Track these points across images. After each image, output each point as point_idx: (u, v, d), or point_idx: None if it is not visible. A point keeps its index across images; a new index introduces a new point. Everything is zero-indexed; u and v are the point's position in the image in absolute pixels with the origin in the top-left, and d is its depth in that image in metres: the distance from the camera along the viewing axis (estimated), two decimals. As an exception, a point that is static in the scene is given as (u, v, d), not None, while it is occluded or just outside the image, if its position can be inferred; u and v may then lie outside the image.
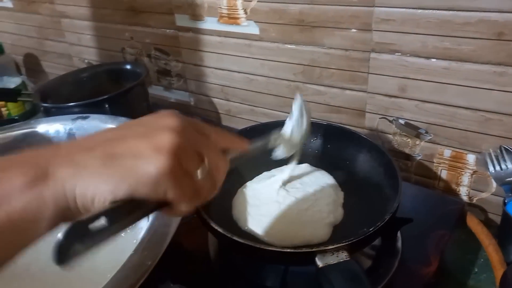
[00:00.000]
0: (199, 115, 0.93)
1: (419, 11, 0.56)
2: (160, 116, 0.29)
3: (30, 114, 1.12)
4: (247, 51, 0.77)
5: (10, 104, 1.08)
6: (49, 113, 0.70)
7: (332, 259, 0.38)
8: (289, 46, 0.71)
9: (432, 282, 0.53)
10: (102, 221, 0.24)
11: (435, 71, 0.58)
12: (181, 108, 0.96)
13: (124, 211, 0.26)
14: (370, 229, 0.40)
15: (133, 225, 0.27)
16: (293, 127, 0.48)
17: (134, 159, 0.26)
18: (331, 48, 0.67)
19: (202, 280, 0.49)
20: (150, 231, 0.37)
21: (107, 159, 0.26)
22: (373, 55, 0.63)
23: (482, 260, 0.57)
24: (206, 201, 0.30)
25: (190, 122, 0.30)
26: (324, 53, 0.68)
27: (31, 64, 1.30)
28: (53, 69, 1.23)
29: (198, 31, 0.82)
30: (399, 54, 0.60)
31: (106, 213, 0.25)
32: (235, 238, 0.41)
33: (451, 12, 0.53)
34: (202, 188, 0.29)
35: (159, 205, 0.27)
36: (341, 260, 0.38)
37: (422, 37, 0.57)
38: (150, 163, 0.25)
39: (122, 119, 0.54)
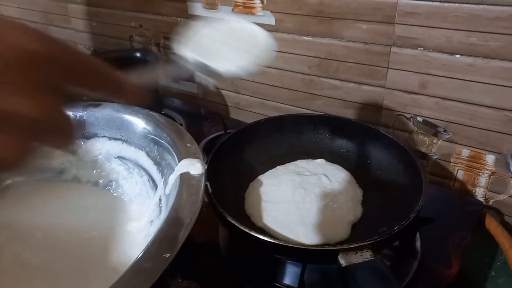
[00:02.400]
0: (207, 107, 0.91)
1: (446, 4, 0.54)
2: None
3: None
4: (260, 42, 0.75)
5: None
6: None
7: (356, 258, 0.36)
8: (305, 38, 0.69)
9: (453, 284, 0.51)
10: None
11: (459, 68, 0.56)
12: (189, 100, 0.93)
13: None
14: (395, 228, 0.39)
15: None
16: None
17: None
18: (350, 41, 0.65)
19: (212, 275, 0.47)
20: (168, 221, 0.35)
21: None
22: (394, 49, 0.61)
23: (499, 263, 0.55)
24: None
25: None
26: (342, 46, 0.66)
27: (35, 50, 1.27)
28: (57, 55, 1.21)
29: (210, 20, 0.79)
30: (422, 49, 0.58)
31: None
32: (253, 233, 0.39)
33: (481, 6, 0.51)
34: None
35: None
36: (366, 259, 0.36)
37: (447, 32, 0.55)
38: None
39: (136, 108, 0.52)
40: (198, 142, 0.74)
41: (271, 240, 0.38)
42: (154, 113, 0.52)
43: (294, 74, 0.74)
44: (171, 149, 0.45)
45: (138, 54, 0.79)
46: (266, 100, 0.81)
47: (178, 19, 0.85)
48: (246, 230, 0.40)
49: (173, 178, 0.40)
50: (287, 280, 0.45)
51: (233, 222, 0.41)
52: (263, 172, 0.57)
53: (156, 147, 0.49)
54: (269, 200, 0.50)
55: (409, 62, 0.60)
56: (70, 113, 0.21)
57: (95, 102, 0.53)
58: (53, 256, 0.45)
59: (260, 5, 0.71)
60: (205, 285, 0.45)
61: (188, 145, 0.44)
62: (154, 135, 0.49)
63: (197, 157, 0.41)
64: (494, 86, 0.55)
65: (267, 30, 0.74)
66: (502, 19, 0.50)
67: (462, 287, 0.52)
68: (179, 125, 0.49)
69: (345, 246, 0.37)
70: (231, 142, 0.57)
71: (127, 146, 0.52)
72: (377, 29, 0.61)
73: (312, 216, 0.47)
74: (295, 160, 0.58)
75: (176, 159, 0.42)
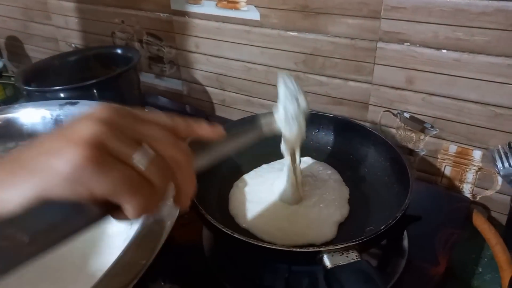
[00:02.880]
0: (191, 104, 0.89)
1: (433, -1, 0.53)
2: (86, 113, 0.24)
3: (11, 100, 1.07)
4: (246, 38, 0.73)
5: (-10, 89, 1.02)
6: (32, 98, 0.66)
7: (342, 260, 0.35)
8: (291, 33, 0.68)
9: (440, 282, 0.51)
10: (20, 237, 0.20)
11: (445, 63, 0.56)
12: (173, 97, 0.91)
13: (44, 221, 0.21)
14: (382, 228, 0.38)
15: (71, 239, 0.22)
16: (286, 105, 0.40)
17: (47, 157, 0.21)
18: (336, 36, 0.63)
19: (196, 278, 0.46)
20: (145, 227, 0.34)
21: (16, 164, 0.22)
22: (380, 44, 0.60)
23: (486, 260, 0.55)
24: (164, 199, 0.25)
25: (124, 110, 0.25)
26: (328, 41, 0.65)
27: (14, 48, 1.24)
28: (38, 53, 1.17)
29: (194, 15, 0.78)
30: (408, 44, 0.57)
31: (18, 221, 0.20)
32: (236, 235, 0.38)
33: (466, 0, 0.50)
34: (151, 179, 0.23)
35: (103, 210, 0.23)
36: (352, 261, 0.35)
37: (434, 27, 0.55)
38: (62, 157, 0.21)
39: (114, 105, 0.50)
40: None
41: (254, 242, 0.37)
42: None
43: (280, 70, 0.73)
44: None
45: (119, 51, 0.77)
46: (252, 97, 0.80)
47: (161, 14, 0.82)
48: (229, 232, 0.38)
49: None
50: (273, 283, 0.44)
51: (215, 223, 0.39)
52: (248, 171, 0.55)
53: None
54: (253, 200, 0.48)
55: (396, 58, 0.59)
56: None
57: (72, 100, 0.51)
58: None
59: (245, 0, 0.69)
60: (188, 289, 0.44)
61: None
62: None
63: None
64: (480, 81, 0.54)
65: (252, 26, 0.72)
66: (487, 13, 0.50)
67: (449, 284, 0.51)
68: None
69: (330, 247, 0.36)
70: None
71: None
72: (363, 24, 0.60)
73: (298, 216, 0.46)
74: (281, 158, 0.57)
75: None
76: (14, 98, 1.08)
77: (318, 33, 0.65)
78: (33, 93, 0.64)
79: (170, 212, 0.35)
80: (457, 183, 0.63)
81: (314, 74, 0.69)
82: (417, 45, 0.57)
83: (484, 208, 0.62)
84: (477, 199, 0.62)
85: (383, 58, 0.60)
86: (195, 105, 0.89)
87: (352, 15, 0.60)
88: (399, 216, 0.39)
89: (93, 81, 0.64)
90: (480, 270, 0.54)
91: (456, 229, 0.50)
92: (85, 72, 0.78)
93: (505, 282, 0.47)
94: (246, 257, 0.46)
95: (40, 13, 1.08)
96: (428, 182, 0.65)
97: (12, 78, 0.71)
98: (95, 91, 0.64)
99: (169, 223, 0.33)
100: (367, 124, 0.67)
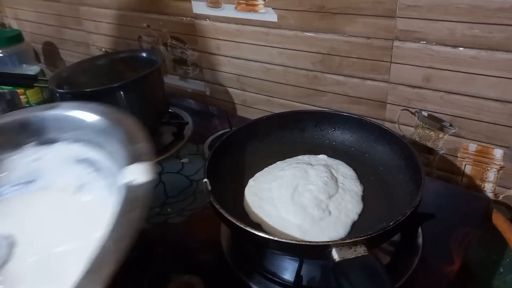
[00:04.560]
0: (214, 105, 0.92)
1: (448, -4, 0.53)
2: None
3: (48, 102, 1.14)
4: (264, 39, 0.75)
5: (28, 92, 1.09)
6: (64, 100, 0.70)
7: (350, 254, 0.36)
8: (308, 34, 0.69)
9: (455, 282, 0.50)
10: None
11: (463, 61, 0.55)
12: (196, 98, 0.94)
13: None
14: (391, 224, 0.38)
15: None
16: None
17: None
18: (352, 36, 0.64)
19: (214, 271, 0.48)
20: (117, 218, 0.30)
21: None
22: (396, 43, 0.60)
23: (508, 260, 0.54)
24: None
25: None
26: (344, 41, 0.65)
27: (50, 53, 1.31)
28: (71, 57, 1.24)
29: (215, 18, 0.80)
30: (424, 42, 0.57)
31: None
32: (248, 229, 0.40)
33: (483, -3, 0.50)
34: None
35: None
36: (359, 255, 0.36)
37: (450, 24, 0.54)
38: None
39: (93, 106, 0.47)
40: (204, 140, 0.75)
41: (264, 235, 0.39)
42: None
43: (298, 70, 0.74)
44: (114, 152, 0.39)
45: (144, 54, 0.81)
46: (271, 97, 0.82)
47: (184, 18, 0.86)
48: (242, 225, 0.40)
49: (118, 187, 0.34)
50: (286, 275, 0.45)
51: (229, 217, 0.41)
52: (263, 169, 0.57)
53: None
54: (267, 196, 0.50)
55: (412, 56, 0.59)
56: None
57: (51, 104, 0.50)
58: (17, 276, 0.39)
59: (262, 2, 0.71)
60: (206, 280, 0.46)
61: (137, 145, 0.38)
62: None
63: (145, 160, 0.35)
64: (499, 78, 0.54)
65: (270, 27, 0.74)
66: (505, 9, 0.49)
67: (468, 284, 0.51)
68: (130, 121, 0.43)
69: (339, 241, 0.37)
70: (232, 139, 0.58)
71: (88, 147, 0.47)
72: (378, 23, 0.60)
73: (311, 213, 0.47)
74: (296, 155, 0.58)
75: (121, 163, 0.36)
76: (51, 99, 1.15)
77: (335, 33, 0.66)
78: (65, 95, 0.69)
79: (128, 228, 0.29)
80: (478, 182, 0.62)
81: (332, 73, 0.70)
82: (434, 43, 0.57)
83: (507, 208, 0.61)
84: (500, 198, 0.61)
85: (399, 56, 0.61)
86: (217, 105, 0.91)
87: (368, 15, 0.60)
88: (409, 213, 0.40)
89: (120, 83, 0.67)
90: (501, 270, 0.53)
91: (473, 228, 0.50)
92: (112, 75, 0.82)
93: (524, 282, 0.46)
94: (259, 250, 0.48)
95: (72, 19, 1.14)
96: (448, 181, 0.64)
97: (47, 82, 0.76)
98: (121, 92, 0.68)
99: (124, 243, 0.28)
100: (386, 123, 0.67)
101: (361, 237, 0.38)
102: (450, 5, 0.53)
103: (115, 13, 1.00)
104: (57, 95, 0.71)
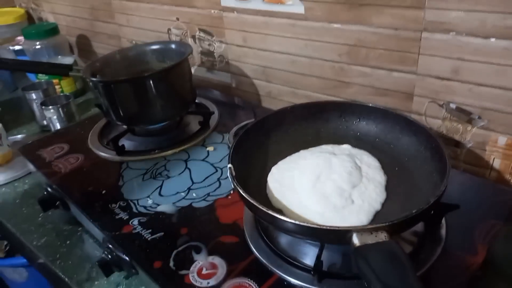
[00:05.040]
0: (240, 96, 0.93)
1: (480, -15, 0.52)
2: None
3: (81, 92, 1.19)
4: (291, 31, 0.76)
5: (63, 82, 1.15)
6: (97, 89, 0.73)
7: (370, 239, 0.37)
8: (334, 25, 0.69)
9: (479, 274, 0.50)
10: None
11: (494, 52, 0.54)
12: (223, 90, 0.96)
13: None
14: (413, 211, 0.39)
15: None
16: None
17: None
18: (379, 27, 0.64)
19: (237, 253, 0.49)
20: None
21: None
22: (425, 34, 0.59)
23: (535, 256, 0.53)
24: None
25: None
26: (371, 32, 0.65)
27: (83, 45, 1.36)
28: (103, 49, 1.28)
29: (242, 11, 0.81)
30: (454, 33, 0.56)
31: None
32: (271, 212, 0.41)
33: (516, -15, 0.49)
34: None
35: None
36: (380, 240, 0.36)
37: (481, 15, 0.53)
38: None
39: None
40: (230, 130, 0.77)
41: (286, 219, 0.40)
42: None
43: (324, 62, 0.74)
44: None
45: (173, 46, 0.83)
46: (296, 89, 0.82)
47: (212, 11, 0.87)
48: (264, 209, 0.41)
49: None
50: (306, 260, 0.46)
51: (251, 201, 0.42)
52: (287, 156, 0.58)
53: None
54: (289, 184, 0.51)
55: (441, 48, 0.58)
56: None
57: None
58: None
59: (290, -6, 0.72)
60: (228, 262, 0.48)
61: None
62: None
63: None
64: (532, 70, 0.52)
65: (296, 19, 0.74)
66: (540, -2, 0.48)
67: (493, 278, 0.50)
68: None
69: (360, 227, 0.38)
70: (257, 128, 0.59)
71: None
72: (406, 14, 0.60)
73: (333, 202, 0.47)
74: (320, 145, 0.59)
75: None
76: (83, 91, 1.20)
77: (362, 25, 0.65)
78: (98, 84, 0.72)
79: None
80: (507, 176, 0.60)
81: (358, 65, 0.70)
82: (464, 34, 0.56)
83: (537, 204, 0.59)
84: (529, 194, 0.59)
85: (428, 48, 0.60)
86: (243, 97, 0.93)
87: (396, 6, 0.60)
88: (432, 202, 0.40)
89: (150, 73, 0.70)
90: (527, 266, 0.52)
91: (499, 221, 0.49)
92: (143, 66, 0.85)
93: (552, 278, 0.45)
94: (281, 235, 0.49)
95: (104, 13, 1.19)
96: (476, 175, 0.63)
97: (81, 71, 0.80)
98: (151, 82, 0.70)
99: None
100: (412, 115, 0.66)
101: (382, 223, 0.38)
102: (482, -5, 0.52)
103: (146, 6, 1.03)
104: (90, 83, 0.75)
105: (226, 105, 0.89)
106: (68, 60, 1.18)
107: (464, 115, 0.60)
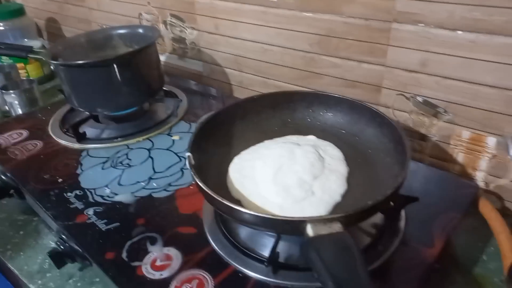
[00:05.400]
0: (211, 85, 0.91)
1: (448, -24, 0.51)
2: None
3: (48, 78, 1.14)
4: (262, 19, 0.74)
5: (28, 67, 1.09)
6: (59, 72, 0.70)
7: (324, 230, 0.36)
8: (306, 14, 0.68)
9: (437, 267, 0.50)
10: None
11: (461, 45, 0.54)
12: (194, 78, 0.94)
13: None
14: (369, 203, 0.38)
15: None
16: None
17: None
18: (350, 16, 0.63)
19: (193, 244, 0.48)
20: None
21: None
22: (394, 25, 0.58)
23: (492, 248, 0.53)
24: None
25: None
26: (342, 22, 0.64)
27: (53, 29, 1.31)
28: (73, 33, 1.23)
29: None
30: (423, 25, 0.56)
31: None
32: (225, 202, 0.39)
33: (483, -23, 0.48)
34: None
35: None
36: (334, 231, 0.35)
37: (449, 7, 0.53)
38: None
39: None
40: (198, 119, 0.75)
41: (238, 208, 0.38)
42: None
43: (295, 52, 0.73)
44: None
45: (141, 30, 0.80)
46: (268, 78, 0.81)
47: (183, -5, 0.85)
48: (219, 198, 0.40)
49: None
50: (264, 252, 0.45)
51: (206, 189, 0.41)
52: (251, 145, 0.56)
53: None
54: (249, 174, 0.49)
55: (410, 39, 0.58)
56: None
57: None
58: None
59: (261, -21, 0.70)
60: (184, 253, 0.46)
61: None
62: None
63: None
64: (497, 64, 0.52)
65: (268, 7, 0.73)
66: (505, -10, 0.47)
67: (451, 270, 0.50)
68: None
69: (315, 217, 0.37)
70: (221, 117, 0.57)
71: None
72: (377, 4, 0.59)
73: (293, 193, 0.46)
74: (285, 135, 0.58)
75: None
76: (51, 76, 1.15)
77: (333, 14, 0.64)
78: (58, 67, 0.69)
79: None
80: (469, 170, 0.61)
81: (329, 56, 0.68)
82: (432, 26, 0.55)
83: (498, 198, 0.60)
84: (491, 187, 0.60)
85: (397, 39, 0.59)
86: (214, 86, 0.91)
87: (366, -6, 0.59)
88: (388, 193, 0.39)
89: (113, 56, 0.67)
90: (485, 258, 0.52)
91: (457, 214, 0.49)
92: (109, 50, 0.81)
93: (507, 269, 0.46)
94: (239, 226, 0.48)
95: (75, -5, 1.14)
96: (441, 168, 0.63)
97: (41, 54, 0.76)
98: (115, 66, 0.67)
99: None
100: (380, 108, 0.65)
101: (337, 214, 0.37)
102: (450, -14, 0.51)
103: (116, -11, 0.99)
104: (51, 66, 0.71)
105: (196, 94, 0.86)
106: (35, 44, 1.13)
107: (431, 108, 0.60)
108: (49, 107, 0.83)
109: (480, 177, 0.60)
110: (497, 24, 0.50)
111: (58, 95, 1.02)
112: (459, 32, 0.53)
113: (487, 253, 0.52)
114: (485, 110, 0.55)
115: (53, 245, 0.57)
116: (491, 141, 0.57)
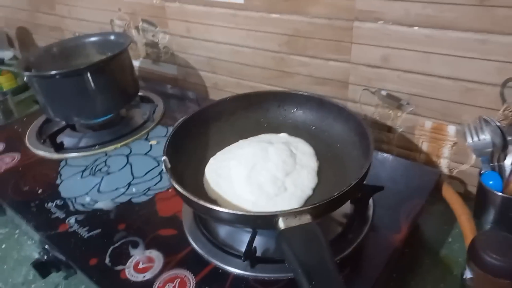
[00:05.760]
0: (187, 88, 0.92)
1: (401, -24, 0.54)
2: None
3: (22, 89, 1.13)
4: (232, 22, 0.76)
5: (1, 78, 1.08)
6: (32, 83, 0.70)
7: (294, 222, 0.38)
8: (273, 15, 0.70)
9: (406, 251, 0.53)
10: None
11: (418, 40, 0.57)
12: (169, 82, 0.95)
13: None
14: (335, 194, 0.40)
15: None
16: None
17: None
18: (314, 17, 0.65)
19: (174, 245, 0.50)
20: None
21: None
22: (356, 23, 0.61)
23: (457, 230, 0.57)
24: None
25: None
26: (308, 22, 0.66)
27: (24, 38, 1.29)
28: (45, 42, 1.21)
29: (184, 1, 0.80)
30: (382, 22, 0.59)
31: None
32: (201, 202, 0.41)
33: (432, -24, 0.51)
34: None
35: None
36: (303, 223, 0.38)
37: (405, 4, 0.56)
38: None
39: None
40: (175, 122, 0.76)
41: (214, 207, 0.40)
42: None
43: (265, 52, 0.75)
44: None
45: (112, 37, 0.81)
46: (241, 79, 0.83)
47: (154, 0, 0.86)
48: (194, 199, 0.42)
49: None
50: (242, 248, 0.47)
51: (182, 191, 0.43)
52: (227, 145, 0.58)
53: None
54: (225, 174, 0.52)
55: (371, 36, 0.61)
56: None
57: None
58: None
59: (228, -16, 0.71)
60: (166, 254, 0.48)
61: None
62: None
63: None
64: (451, 57, 0.55)
65: (237, 9, 0.74)
66: (453, -11, 0.51)
67: (419, 252, 0.54)
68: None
69: (286, 211, 0.39)
70: (195, 119, 0.59)
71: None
72: (339, 4, 0.61)
73: (267, 191, 0.49)
74: (259, 134, 0.60)
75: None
76: (25, 87, 1.14)
77: (298, 15, 0.67)
78: (32, 78, 0.69)
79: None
80: (434, 158, 0.64)
81: (297, 55, 0.71)
82: (391, 23, 0.58)
83: (461, 182, 0.64)
84: (454, 173, 0.64)
85: (359, 37, 0.62)
86: (190, 89, 0.92)
87: (328, -5, 0.62)
88: (353, 184, 0.42)
89: (86, 65, 0.68)
90: (450, 240, 0.56)
91: (421, 200, 0.52)
92: (82, 59, 0.82)
93: (468, 249, 0.49)
94: (218, 226, 0.50)
95: (45, 3, 1.13)
96: (408, 158, 0.66)
97: (14, 65, 0.76)
98: (88, 74, 0.68)
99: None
100: (348, 103, 0.69)
101: (306, 206, 0.40)
102: (403, -15, 0.54)
103: (86, -3, 0.99)
104: (24, 78, 0.72)
105: (172, 98, 0.88)
106: (6, 54, 1.12)
107: (394, 101, 0.63)
108: (25, 118, 0.83)
109: (444, 164, 0.64)
110: (449, 20, 0.53)
111: (34, 105, 1.02)
112: (416, 28, 0.56)
113: (452, 235, 0.56)
114: (444, 100, 0.59)
115: (36, 256, 0.58)
116: (451, 129, 0.60)
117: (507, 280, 0.43)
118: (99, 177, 0.63)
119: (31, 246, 0.60)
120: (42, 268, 0.52)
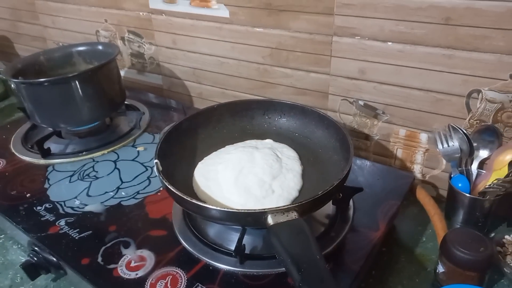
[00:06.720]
0: (171, 97, 0.95)
1: (377, -4, 0.59)
2: None
3: (3, 97, 1.12)
4: (218, 34, 0.79)
5: (-18, 86, 1.07)
6: (19, 90, 0.71)
7: (282, 218, 0.41)
8: (257, 29, 0.74)
9: (383, 250, 0.57)
10: None
11: (391, 54, 0.62)
12: (154, 91, 0.97)
13: None
14: (319, 193, 0.44)
15: None
16: None
17: None
18: (296, 31, 0.70)
19: (165, 245, 0.51)
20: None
21: None
22: (335, 38, 0.66)
23: (430, 230, 0.61)
24: None
25: None
26: (290, 36, 0.71)
27: (4, 47, 1.29)
28: (27, 52, 1.22)
29: (170, 13, 0.84)
30: (359, 37, 0.64)
31: None
32: (193, 200, 0.44)
33: (404, -3, 0.57)
34: None
35: None
36: (290, 219, 0.41)
37: (380, 21, 0.61)
38: None
39: None
40: (161, 130, 0.78)
41: (206, 205, 0.43)
42: None
43: (249, 64, 0.79)
44: None
45: (100, 47, 0.83)
46: (226, 89, 0.86)
47: (141, 13, 0.88)
48: (187, 198, 0.44)
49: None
50: (231, 246, 0.50)
51: (175, 191, 0.45)
52: (214, 150, 0.61)
53: None
54: (213, 177, 0.54)
55: (349, 50, 0.66)
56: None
57: None
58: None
59: (215, -2, 0.75)
60: (157, 253, 0.50)
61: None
62: None
63: None
64: (422, 70, 0.61)
65: (222, 23, 0.78)
66: (423, 8, 0.56)
67: (395, 251, 0.58)
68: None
69: (274, 208, 0.42)
70: (185, 125, 0.61)
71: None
72: (319, 20, 0.66)
73: (254, 194, 0.51)
74: (246, 140, 0.63)
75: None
76: (5, 95, 1.13)
77: (281, 29, 0.71)
78: (20, 85, 0.70)
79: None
80: (408, 164, 0.69)
81: (280, 67, 0.75)
82: (367, 38, 0.63)
83: (433, 187, 0.69)
84: (427, 178, 0.68)
85: (338, 51, 0.67)
86: (175, 98, 0.94)
87: (310, 12, 0.66)
88: (335, 184, 0.45)
89: (74, 73, 0.69)
90: (424, 239, 0.60)
91: (397, 201, 0.56)
92: (69, 67, 0.83)
93: (439, 246, 0.53)
94: (208, 225, 0.52)
95: (28, 13, 1.13)
96: (383, 164, 0.71)
97: (1, 70, 0.76)
98: (77, 82, 0.69)
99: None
100: (328, 113, 0.73)
101: (292, 204, 0.43)
102: (379, 4, 0.59)
103: (72, 8, 1.01)
104: (12, 86, 0.72)
105: (158, 107, 0.90)
106: (-14, 62, 1.11)
107: (371, 110, 0.68)
108: (8, 126, 0.83)
109: (417, 169, 0.69)
110: (419, 36, 0.59)
111: (15, 113, 1.02)
112: (389, 43, 0.62)
113: (426, 235, 0.60)
114: (416, 110, 0.64)
115: (23, 259, 0.58)
116: (423, 137, 0.65)
117: (475, 272, 0.47)
118: (88, 181, 0.64)
119: (17, 250, 0.60)
120: (32, 270, 0.52)
